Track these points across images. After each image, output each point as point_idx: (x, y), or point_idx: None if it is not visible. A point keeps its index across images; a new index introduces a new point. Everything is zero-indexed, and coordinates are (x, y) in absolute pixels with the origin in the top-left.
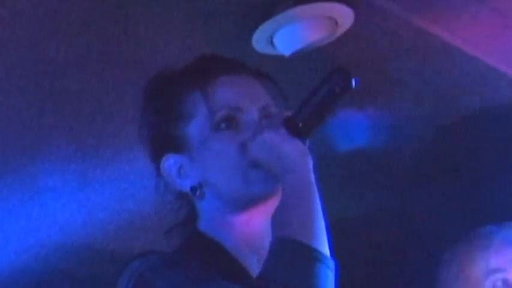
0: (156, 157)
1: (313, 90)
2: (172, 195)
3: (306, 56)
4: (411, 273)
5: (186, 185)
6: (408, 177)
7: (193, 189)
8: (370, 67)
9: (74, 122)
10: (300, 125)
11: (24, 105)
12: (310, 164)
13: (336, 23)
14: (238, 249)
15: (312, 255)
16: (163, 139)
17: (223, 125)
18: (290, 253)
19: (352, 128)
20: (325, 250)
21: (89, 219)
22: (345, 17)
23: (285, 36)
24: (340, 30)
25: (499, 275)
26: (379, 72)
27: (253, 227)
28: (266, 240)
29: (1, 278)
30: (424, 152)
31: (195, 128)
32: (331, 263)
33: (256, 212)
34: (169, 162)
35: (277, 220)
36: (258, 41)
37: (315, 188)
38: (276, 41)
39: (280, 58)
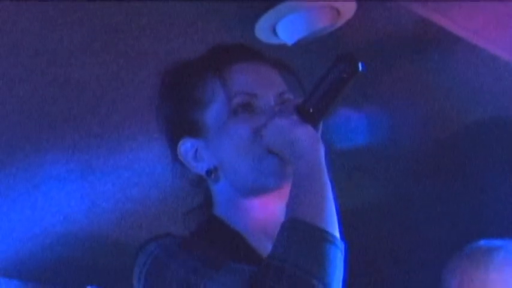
0: (174, 141)
1: (321, 77)
2: (188, 181)
3: (308, 45)
4: (409, 270)
5: (201, 168)
6: (409, 170)
7: (208, 172)
8: (371, 56)
9: (78, 111)
10: (311, 110)
11: (29, 94)
12: (322, 149)
13: (338, 12)
14: (252, 233)
15: (322, 236)
16: (181, 124)
17: (239, 111)
18: (301, 234)
19: (354, 120)
20: (336, 232)
21: (93, 208)
22: (347, 6)
23: (288, 26)
24: (342, 20)
25: None
26: (380, 61)
27: (267, 212)
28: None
29: (6, 266)
30: (424, 143)
31: (212, 113)
32: (341, 245)
33: (270, 198)
34: (186, 145)
35: (288, 203)
36: (261, 31)
37: (325, 173)
38: (278, 30)
39: (283, 47)
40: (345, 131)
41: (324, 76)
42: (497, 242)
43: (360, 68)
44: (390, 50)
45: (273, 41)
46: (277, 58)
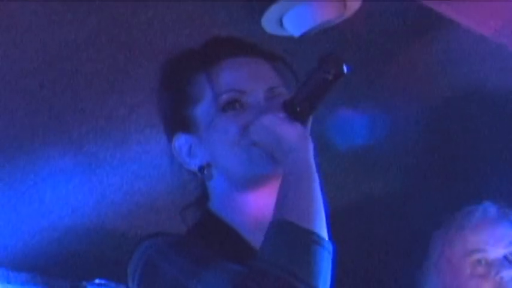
0: (169, 136)
1: (308, 76)
2: (186, 175)
3: (315, 37)
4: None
5: (195, 164)
6: (410, 167)
7: (201, 168)
8: (378, 47)
9: (85, 103)
10: (298, 109)
11: (36, 87)
12: (310, 146)
13: (345, 4)
14: (247, 229)
15: (309, 237)
16: (174, 119)
17: (227, 107)
18: (286, 236)
19: (358, 113)
20: (323, 232)
21: (101, 201)
22: None
23: (295, 17)
24: (349, 11)
25: (478, 255)
26: (387, 52)
27: (261, 207)
28: None
29: (15, 259)
30: (428, 133)
31: (202, 110)
32: (329, 246)
33: (262, 192)
34: (180, 141)
35: (276, 202)
36: (268, 22)
37: (314, 170)
38: (285, 22)
39: (289, 39)
40: (348, 125)
41: (310, 76)
42: (476, 205)
43: (345, 70)
44: (396, 41)
45: (280, 33)
46: (271, 51)
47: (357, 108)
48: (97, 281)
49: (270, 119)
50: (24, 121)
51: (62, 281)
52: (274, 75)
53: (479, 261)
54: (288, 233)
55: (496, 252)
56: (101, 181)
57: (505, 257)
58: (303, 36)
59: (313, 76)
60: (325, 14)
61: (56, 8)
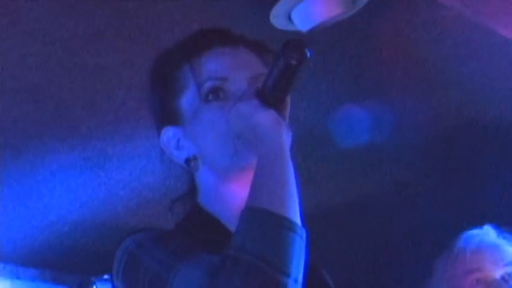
0: (159, 131)
1: (273, 63)
2: (177, 169)
3: (323, 32)
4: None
5: (181, 157)
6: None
7: (187, 161)
8: (387, 42)
9: (93, 98)
10: (269, 95)
11: (45, 81)
12: (284, 133)
13: None
14: (233, 221)
15: (281, 223)
16: (162, 113)
17: (210, 97)
18: (258, 222)
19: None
20: (296, 218)
21: (110, 196)
22: None
23: (303, 12)
24: (357, 6)
25: (476, 275)
26: (396, 47)
27: (245, 197)
28: None
29: (24, 254)
30: (436, 129)
31: (186, 101)
32: (302, 231)
33: (247, 183)
34: (168, 134)
35: (250, 189)
36: (276, 17)
37: (287, 155)
38: (293, 17)
39: (298, 34)
40: (356, 122)
41: (275, 62)
42: (476, 230)
43: (308, 55)
44: (405, 36)
45: (288, 28)
46: (256, 41)
47: (365, 103)
48: (105, 276)
49: (243, 107)
50: (33, 116)
51: (71, 277)
52: (259, 63)
53: (478, 281)
54: (259, 219)
55: (493, 272)
56: (109, 176)
57: (503, 278)
58: (311, 31)
59: (278, 63)
60: (333, 9)
61: (64, 2)
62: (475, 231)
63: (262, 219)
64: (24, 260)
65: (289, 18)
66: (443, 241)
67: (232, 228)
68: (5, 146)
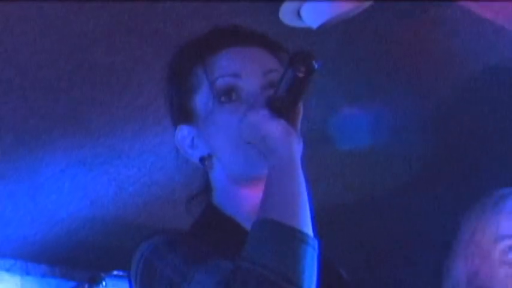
0: (174, 129)
1: (282, 74)
2: (192, 168)
3: (333, 29)
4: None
5: (196, 156)
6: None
7: (202, 159)
8: (396, 39)
9: (103, 95)
10: (279, 105)
11: (55, 78)
12: (295, 143)
13: None
14: (247, 220)
15: (293, 235)
16: (177, 111)
17: (223, 99)
18: (270, 233)
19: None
20: (307, 229)
21: (119, 192)
22: None
23: (312, 9)
24: (367, 2)
25: (509, 242)
26: (405, 44)
27: (259, 200)
28: None
29: (34, 251)
30: (440, 127)
31: (200, 100)
32: (314, 242)
33: (259, 188)
34: (183, 132)
35: (261, 200)
36: (285, 14)
37: (297, 166)
38: (303, 13)
39: (307, 31)
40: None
41: (283, 74)
42: (509, 190)
43: (315, 66)
44: (415, 34)
45: (298, 24)
46: (271, 39)
47: (373, 102)
48: (115, 272)
49: (253, 118)
50: (43, 113)
51: (80, 273)
52: (272, 59)
53: (510, 248)
54: (271, 231)
55: None
56: (119, 172)
57: None
58: (321, 27)
59: (286, 73)
60: (342, 6)
61: (75, 0)
62: (507, 191)
63: (273, 231)
64: (34, 256)
65: (299, 15)
66: (445, 241)
67: (247, 226)
68: (16, 142)
